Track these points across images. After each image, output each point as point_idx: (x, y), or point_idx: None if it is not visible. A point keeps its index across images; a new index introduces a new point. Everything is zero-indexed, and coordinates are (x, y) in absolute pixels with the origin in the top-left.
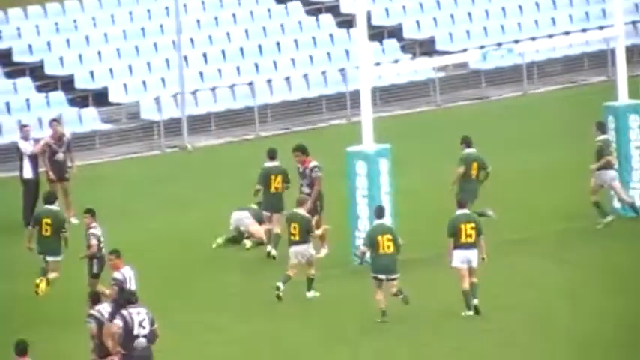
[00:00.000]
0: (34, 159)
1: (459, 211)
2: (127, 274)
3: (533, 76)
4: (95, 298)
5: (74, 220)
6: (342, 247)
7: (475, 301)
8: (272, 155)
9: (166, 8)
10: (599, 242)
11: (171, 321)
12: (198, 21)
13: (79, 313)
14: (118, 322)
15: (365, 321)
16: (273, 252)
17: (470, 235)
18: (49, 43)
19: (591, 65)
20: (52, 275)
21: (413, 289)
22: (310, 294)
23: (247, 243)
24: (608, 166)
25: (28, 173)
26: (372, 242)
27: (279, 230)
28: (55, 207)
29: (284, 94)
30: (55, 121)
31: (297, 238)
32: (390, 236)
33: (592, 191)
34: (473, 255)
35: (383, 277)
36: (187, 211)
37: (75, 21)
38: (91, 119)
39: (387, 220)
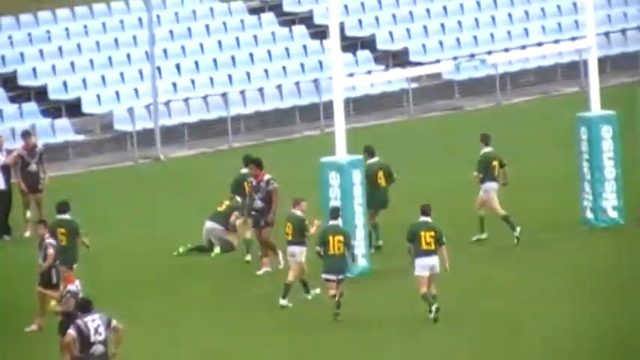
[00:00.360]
0: (6, 170)
1: (421, 218)
2: (79, 286)
3: (506, 87)
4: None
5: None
6: (316, 257)
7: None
8: (246, 162)
9: (139, 19)
10: (575, 249)
11: (138, 332)
12: (171, 32)
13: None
14: (72, 332)
15: (338, 330)
16: (248, 257)
17: (429, 243)
18: (22, 54)
19: (564, 76)
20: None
21: (389, 295)
22: (310, 295)
23: (216, 249)
24: (487, 178)
25: (0, 184)
26: (323, 242)
27: (249, 236)
28: (66, 216)
29: (257, 105)
30: (28, 132)
31: (290, 238)
32: (341, 238)
33: (479, 204)
34: (434, 262)
35: (333, 277)
36: (160, 222)
37: (48, 32)
38: (63, 130)
39: (340, 222)
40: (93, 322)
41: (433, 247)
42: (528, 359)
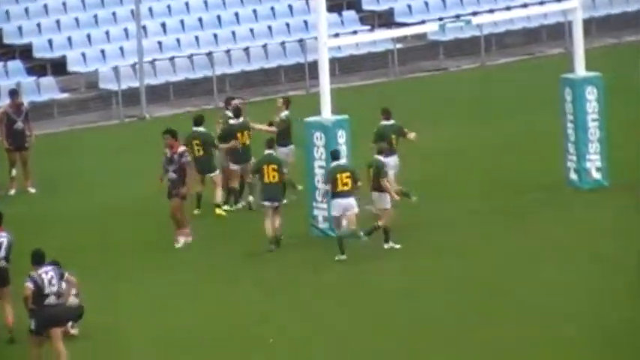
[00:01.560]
0: None
1: (334, 163)
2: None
3: (491, 48)
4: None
5: (32, 190)
6: (301, 218)
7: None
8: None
9: None
10: (559, 212)
11: (128, 289)
12: None
13: None
14: (29, 284)
15: (321, 287)
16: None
17: (346, 184)
18: (7, 12)
19: (549, 38)
20: None
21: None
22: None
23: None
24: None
25: None
26: (258, 170)
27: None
28: (201, 128)
29: (243, 65)
30: (15, 91)
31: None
32: (275, 166)
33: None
34: (350, 202)
35: (268, 204)
36: (145, 180)
37: None
38: (49, 88)
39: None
40: (46, 274)
41: (349, 187)
42: (513, 323)
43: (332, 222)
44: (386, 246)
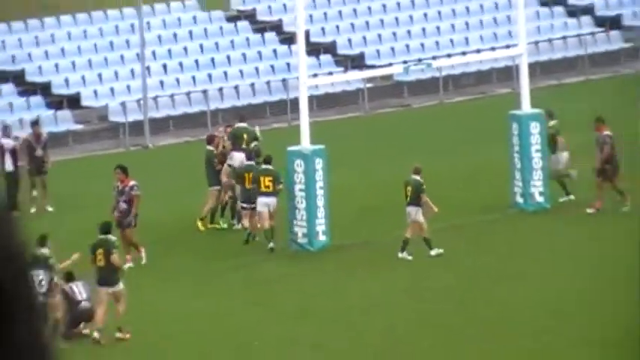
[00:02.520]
0: (14, 154)
1: (263, 166)
2: None
3: (448, 87)
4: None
5: (49, 208)
6: (284, 234)
7: (271, 244)
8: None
9: (132, 25)
10: (507, 229)
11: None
12: (159, 37)
13: None
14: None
15: (302, 300)
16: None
17: (268, 186)
18: (29, 54)
19: (499, 79)
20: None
21: (342, 270)
22: (434, 251)
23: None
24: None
25: (9, 166)
26: (255, 179)
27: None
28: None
29: (233, 101)
30: (36, 122)
31: (408, 200)
32: (270, 178)
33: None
34: (271, 201)
35: (246, 205)
36: (148, 202)
37: (52, 35)
38: (65, 120)
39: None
40: (77, 287)
41: (271, 189)
42: (475, 336)
43: (312, 236)
44: (400, 255)
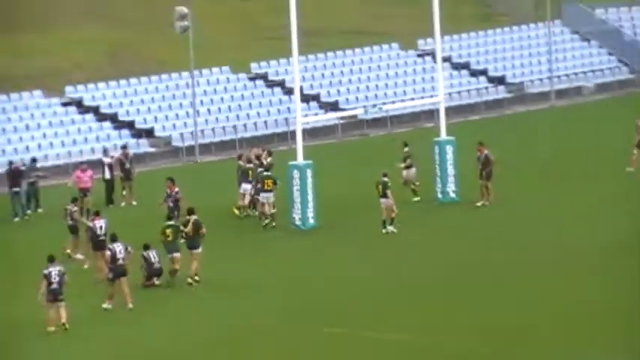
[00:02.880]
0: (110, 167)
1: (265, 173)
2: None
3: (394, 122)
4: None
5: (134, 203)
6: (285, 219)
7: (266, 221)
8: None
9: (187, 83)
10: (431, 217)
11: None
12: (205, 91)
13: None
14: (107, 252)
15: (298, 258)
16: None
17: (269, 185)
18: (121, 102)
19: (425, 118)
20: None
21: (325, 242)
22: (391, 228)
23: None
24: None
25: (107, 175)
26: (260, 180)
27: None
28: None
29: (252, 132)
30: (124, 146)
31: (380, 194)
32: (270, 180)
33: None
34: (269, 196)
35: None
36: (199, 197)
37: (135, 89)
38: (144, 145)
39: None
40: (118, 247)
41: (270, 187)
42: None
43: (304, 220)
44: (389, 228)
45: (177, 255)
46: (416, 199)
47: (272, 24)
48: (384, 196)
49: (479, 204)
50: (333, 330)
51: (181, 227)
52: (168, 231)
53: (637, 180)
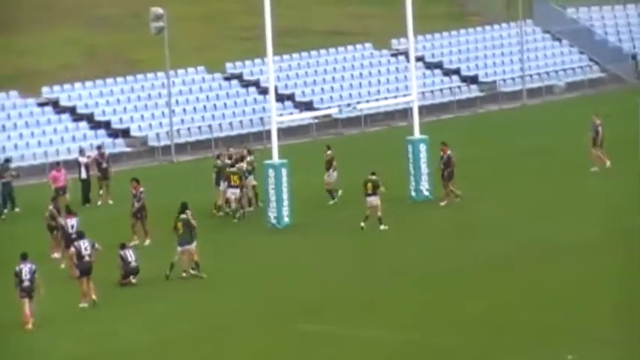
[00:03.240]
0: (87, 167)
1: (231, 169)
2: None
3: (368, 122)
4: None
5: (110, 202)
6: (261, 216)
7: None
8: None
9: (162, 83)
10: (404, 213)
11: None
12: (180, 90)
13: None
14: (72, 249)
15: (276, 253)
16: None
17: (235, 181)
18: (97, 102)
19: (399, 116)
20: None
21: (298, 238)
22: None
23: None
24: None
25: (83, 175)
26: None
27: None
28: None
29: (228, 132)
30: (100, 146)
31: (369, 192)
32: (237, 176)
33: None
34: (235, 192)
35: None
36: (174, 195)
37: (111, 89)
38: (120, 145)
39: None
40: (84, 244)
41: (237, 183)
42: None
43: (279, 218)
44: (381, 227)
45: (188, 247)
46: (332, 202)
47: (247, 24)
48: (374, 194)
49: (442, 203)
50: (307, 327)
51: (192, 221)
52: (179, 224)
53: (603, 178)
